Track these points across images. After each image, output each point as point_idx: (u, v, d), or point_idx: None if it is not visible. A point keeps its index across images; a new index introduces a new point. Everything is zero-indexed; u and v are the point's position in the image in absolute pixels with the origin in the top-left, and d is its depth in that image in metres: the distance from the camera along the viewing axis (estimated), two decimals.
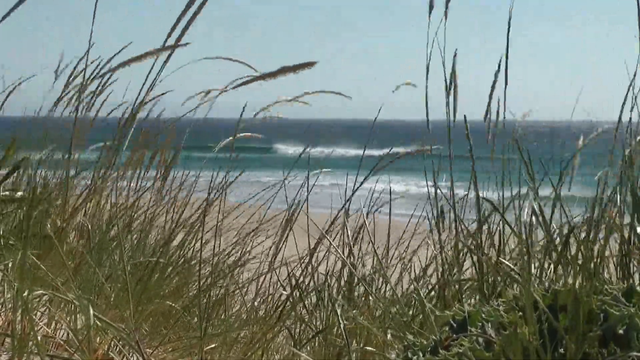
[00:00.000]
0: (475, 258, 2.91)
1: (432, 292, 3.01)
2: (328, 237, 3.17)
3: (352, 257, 3.22)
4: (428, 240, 3.23)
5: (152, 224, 3.73)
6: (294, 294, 3.07)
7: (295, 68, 3.19)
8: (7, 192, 3.15)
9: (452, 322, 2.20)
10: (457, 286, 2.88)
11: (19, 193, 3.13)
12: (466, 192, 3.14)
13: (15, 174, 3.56)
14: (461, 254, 3.00)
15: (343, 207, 3.31)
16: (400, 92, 3.43)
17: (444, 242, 3.01)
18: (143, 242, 3.60)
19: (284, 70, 3.22)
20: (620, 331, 1.98)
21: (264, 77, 3.30)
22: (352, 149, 37.92)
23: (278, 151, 48.13)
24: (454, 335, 2.16)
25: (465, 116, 3.17)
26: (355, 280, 3.12)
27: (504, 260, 2.86)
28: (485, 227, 3.01)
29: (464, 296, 2.88)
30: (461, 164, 3.18)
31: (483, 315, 2.14)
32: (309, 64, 3.19)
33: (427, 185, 3.21)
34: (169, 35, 3.30)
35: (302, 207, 3.52)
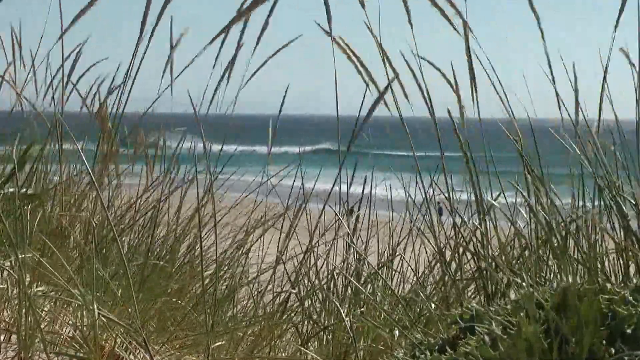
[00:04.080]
0: (474, 256, 2.91)
1: (434, 292, 3.02)
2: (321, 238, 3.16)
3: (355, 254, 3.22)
4: (422, 239, 3.22)
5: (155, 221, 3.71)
6: (300, 291, 3.07)
7: (250, 7, 3.08)
8: (12, 189, 3.15)
9: (459, 320, 2.21)
10: (460, 286, 2.89)
11: (28, 190, 3.13)
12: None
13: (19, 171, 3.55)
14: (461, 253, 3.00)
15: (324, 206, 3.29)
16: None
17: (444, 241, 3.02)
18: (146, 239, 3.59)
19: (239, 16, 3.11)
20: (628, 330, 1.99)
21: (226, 29, 3.17)
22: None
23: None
24: (461, 334, 2.17)
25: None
26: (362, 278, 3.12)
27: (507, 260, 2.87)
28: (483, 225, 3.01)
29: (467, 295, 2.88)
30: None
31: (490, 314, 2.14)
32: None
33: (402, 187, 3.20)
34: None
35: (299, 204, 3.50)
